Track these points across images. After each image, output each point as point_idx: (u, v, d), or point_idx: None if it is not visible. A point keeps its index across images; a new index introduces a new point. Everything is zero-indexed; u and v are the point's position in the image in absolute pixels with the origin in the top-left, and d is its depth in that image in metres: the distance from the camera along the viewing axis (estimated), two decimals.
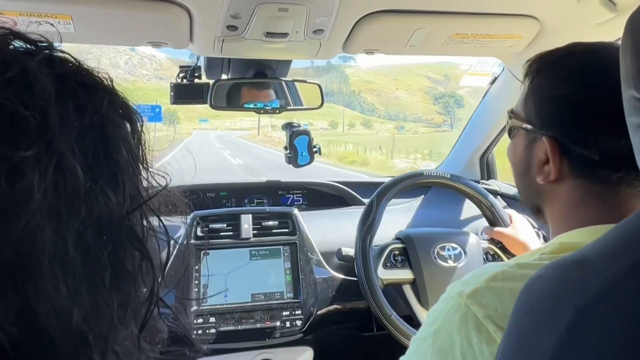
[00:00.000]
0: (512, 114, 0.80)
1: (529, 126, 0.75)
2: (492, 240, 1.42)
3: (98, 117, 0.35)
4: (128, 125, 0.39)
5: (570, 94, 0.70)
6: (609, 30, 1.09)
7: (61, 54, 0.37)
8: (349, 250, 1.40)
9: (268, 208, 1.59)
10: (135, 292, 0.38)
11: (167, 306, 0.43)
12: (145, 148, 0.40)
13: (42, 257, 0.30)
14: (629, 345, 0.41)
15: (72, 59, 0.38)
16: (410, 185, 1.42)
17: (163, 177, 0.42)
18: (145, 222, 0.39)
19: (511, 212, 1.46)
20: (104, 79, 0.39)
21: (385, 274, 1.35)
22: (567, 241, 0.70)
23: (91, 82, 0.37)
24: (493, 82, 1.66)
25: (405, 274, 1.35)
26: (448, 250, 1.38)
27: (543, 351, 0.44)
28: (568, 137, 0.70)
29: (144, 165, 0.40)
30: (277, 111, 1.43)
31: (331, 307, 1.45)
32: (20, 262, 0.30)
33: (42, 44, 0.36)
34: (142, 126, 0.40)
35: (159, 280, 0.40)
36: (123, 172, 0.36)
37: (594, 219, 0.69)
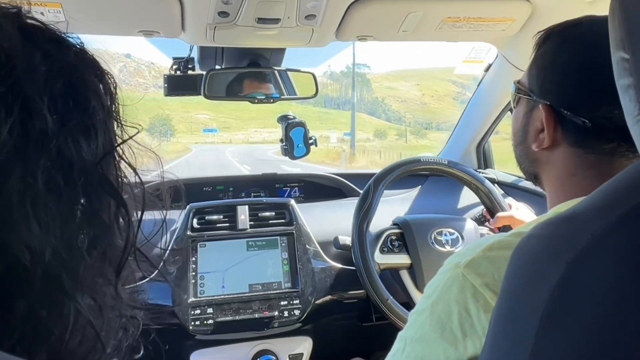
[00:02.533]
0: (517, 83, 0.81)
1: (529, 94, 0.76)
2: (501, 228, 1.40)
3: (66, 67, 0.37)
4: (99, 82, 0.40)
5: (567, 61, 0.71)
6: (601, 7, 1.09)
7: (31, 19, 0.38)
8: (346, 239, 1.40)
9: (265, 199, 1.58)
10: (111, 240, 0.38)
11: (145, 257, 0.43)
12: (119, 104, 0.41)
13: (12, 194, 0.31)
14: (619, 296, 0.42)
15: (41, 23, 0.39)
16: (407, 171, 1.41)
17: (134, 127, 0.42)
18: (119, 174, 0.40)
19: (510, 200, 1.46)
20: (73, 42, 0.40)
21: (382, 259, 1.34)
22: (562, 210, 0.70)
23: (59, 38, 0.39)
24: (487, 69, 1.66)
25: (403, 259, 1.35)
26: (445, 235, 1.37)
27: (536, 306, 0.45)
28: (563, 104, 0.70)
29: (117, 120, 0.41)
30: (272, 101, 1.43)
31: (329, 297, 1.45)
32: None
33: (11, 8, 0.37)
34: (115, 86, 0.41)
35: (136, 230, 0.40)
36: (95, 121, 0.37)
37: (589, 188, 0.69)
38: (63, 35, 0.40)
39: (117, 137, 0.41)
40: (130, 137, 0.42)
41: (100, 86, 0.40)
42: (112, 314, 0.40)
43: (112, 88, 0.41)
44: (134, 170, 0.42)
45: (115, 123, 0.40)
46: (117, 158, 0.40)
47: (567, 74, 0.71)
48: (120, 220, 0.39)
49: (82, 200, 0.36)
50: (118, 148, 0.40)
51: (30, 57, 0.35)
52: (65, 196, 0.34)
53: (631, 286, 0.42)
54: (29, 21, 0.38)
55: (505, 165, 1.84)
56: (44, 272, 0.33)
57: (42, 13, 1.05)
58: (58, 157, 0.34)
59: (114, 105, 0.41)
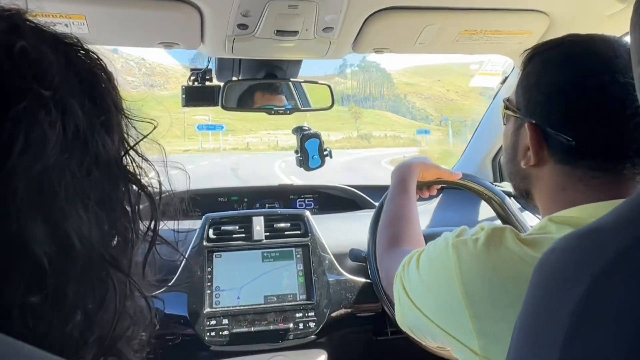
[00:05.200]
0: (506, 101, 0.83)
1: (516, 112, 0.78)
2: None
3: (84, 70, 0.41)
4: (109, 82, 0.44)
5: (551, 81, 0.73)
6: (619, 21, 1.09)
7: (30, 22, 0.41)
8: (362, 251, 1.39)
9: (280, 210, 1.59)
10: (134, 226, 0.43)
11: (165, 241, 0.48)
12: (123, 103, 0.45)
13: (68, 187, 0.36)
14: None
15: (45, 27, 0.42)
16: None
17: (150, 122, 0.46)
18: (137, 169, 0.44)
19: (527, 213, 1.45)
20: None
21: None
22: (557, 215, 0.72)
23: (70, 41, 0.42)
24: (504, 82, 1.66)
25: None
26: None
27: (561, 321, 0.44)
28: (548, 123, 0.72)
29: (125, 114, 0.44)
30: (288, 112, 1.43)
31: (345, 310, 1.44)
32: (47, 192, 0.35)
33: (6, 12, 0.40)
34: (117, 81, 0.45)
35: (157, 215, 0.45)
36: (112, 117, 0.41)
37: (582, 200, 0.71)
38: (73, 38, 0.42)
39: (129, 135, 0.44)
40: (146, 136, 0.45)
41: (110, 86, 0.44)
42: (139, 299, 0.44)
43: (118, 87, 0.45)
44: (153, 167, 0.46)
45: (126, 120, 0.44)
46: (132, 154, 0.44)
47: (551, 94, 0.72)
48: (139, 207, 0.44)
49: (112, 190, 0.40)
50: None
51: (60, 62, 0.38)
52: (100, 186, 0.38)
53: None
54: (40, 27, 0.41)
55: None
56: (90, 255, 0.37)
57: (66, 25, 1.07)
58: (90, 152, 0.38)
59: (123, 104, 0.44)
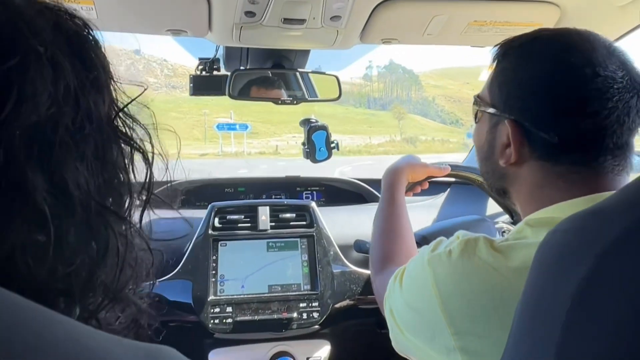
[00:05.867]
0: (477, 98, 0.81)
1: (492, 109, 0.76)
2: None
3: (73, 35, 0.43)
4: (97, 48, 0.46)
5: (531, 76, 0.71)
6: (631, 12, 1.08)
7: None
8: (367, 242, 1.39)
9: (286, 200, 1.59)
10: (128, 181, 0.45)
11: (160, 198, 0.50)
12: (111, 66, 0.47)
13: (62, 141, 0.37)
14: None
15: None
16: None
17: (140, 85, 0.49)
18: (128, 130, 0.46)
19: None
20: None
21: None
22: (534, 217, 0.71)
23: (59, 8, 0.44)
24: None
25: None
26: None
27: (563, 300, 0.44)
28: (528, 119, 0.70)
29: (112, 77, 0.46)
30: (296, 102, 1.43)
31: (348, 301, 1.44)
32: (42, 142, 0.37)
33: None
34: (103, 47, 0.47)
35: (151, 171, 0.47)
36: (100, 78, 0.43)
37: (559, 198, 0.70)
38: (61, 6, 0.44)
39: (118, 99, 0.47)
40: (135, 98, 0.47)
41: (98, 50, 0.45)
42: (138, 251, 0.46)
43: (104, 52, 0.46)
44: (144, 128, 0.48)
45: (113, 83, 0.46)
46: (123, 116, 0.46)
47: (530, 90, 0.71)
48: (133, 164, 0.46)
49: (105, 149, 0.42)
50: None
51: (49, 23, 0.40)
52: (93, 142, 0.41)
53: None
54: None
55: None
56: (88, 203, 0.39)
57: (74, 9, 1.08)
58: (82, 109, 0.40)
59: (109, 68, 0.46)
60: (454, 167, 1.37)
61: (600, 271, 0.43)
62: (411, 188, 1.24)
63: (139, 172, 0.47)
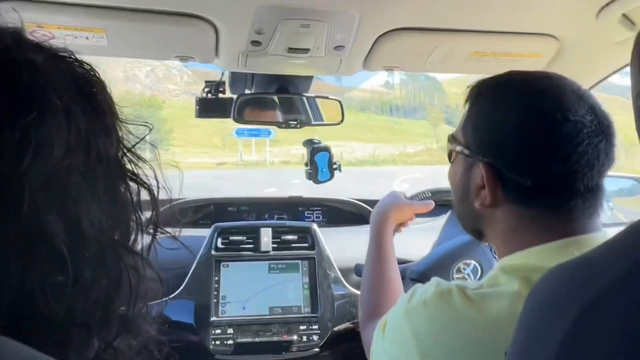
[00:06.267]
0: (452, 138, 0.81)
1: (466, 151, 0.76)
2: None
3: (82, 79, 0.45)
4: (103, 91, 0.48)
5: (503, 120, 0.72)
6: (628, 48, 1.09)
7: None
8: None
9: (288, 222, 1.61)
10: (136, 216, 0.47)
11: (165, 232, 0.52)
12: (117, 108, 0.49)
13: (76, 181, 0.40)
14: (634, 341, 0.41)
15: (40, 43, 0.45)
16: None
17: (145, 125, 0.51)
18: (134, 168, 0.48)
19: None
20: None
21: None
22: (508, 263, 0.72)
23: (64, 54, 0.46)
24: None
25: None
26: (465, 269, 1.36)
27: (550, 347, 0.45)
28: (502, 162, 0.71)
29: (119, 118, 0.48)
30: (299, 126, 1.46)
31: (348, 324, 1.45)
32: (58, 187, 0.39)
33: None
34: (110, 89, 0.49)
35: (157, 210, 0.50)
36: (108, 120, 0.46)
37: (532, 242, 0.71)
38: (67, 51, 0.46)
39: (126, 138, 0.48)
40: (142, 138, 0.50)
41: (105, 92, 0.47)
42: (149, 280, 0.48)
43: (112, 95, 0.48)
44: (151, 167, 0.50)
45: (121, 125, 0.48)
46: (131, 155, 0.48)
47: (503, 134, 0.72)
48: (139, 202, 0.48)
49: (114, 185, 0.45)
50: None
51: (61, 73, 0.43)
52: (104, 181, 0.43)
53: None
54: (37, 42, 0.44)
55: None
56: (101, 240, 0.42)
57: (87, 37, 1.11)
58: (92, 151, 0.42)
59: (118, 110, 0.48)
60: (434, 192, 1.37)
61: (586, 321, 0.44)
62: (397, 229, 1.25)
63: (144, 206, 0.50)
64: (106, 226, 0.43)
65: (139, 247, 0.48)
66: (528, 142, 0.70)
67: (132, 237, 0.47)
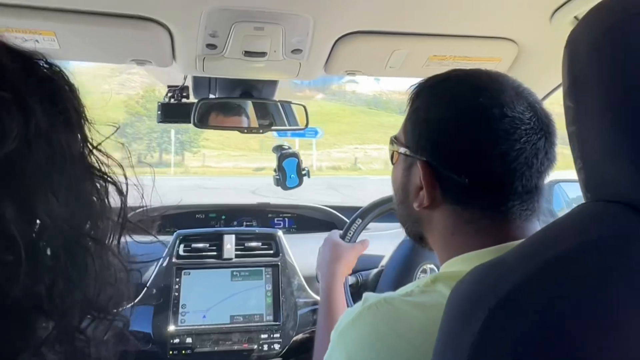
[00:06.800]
0: (394, 139, 0.80)
1: (405, 150, 0.75)
2: None
3: (45, 77, 0.47)
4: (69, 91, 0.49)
5: (441, 117, 0.70)
6: None
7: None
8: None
9: (253, 229, 1.59)
10: (103, 212, 0.49)
11: (136, 225, 0.53)
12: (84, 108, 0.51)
13: (33, 176, 0.42)
14: (535, 343, 0.42)
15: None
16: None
17: (112, 125, 0.52)
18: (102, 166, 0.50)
19: None
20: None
21: None
22: (445, 271, 0.70)
23: (30, 55, 0.47)
24: None
25: None
26: (428, 272, 1.35)
27: (463, 350, 0.45)
28: (439, 160, 0.70)
29: (86, 120, 0.50)
30: (262, 131, 1.44)
31: (311, 332, 1.42)
32: (11, 176, 0.40)
33: None
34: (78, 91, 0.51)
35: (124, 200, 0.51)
36: (72, 118, 0.47)
37: (469, 246, 0.69)
38: (38, 54, 0.48)
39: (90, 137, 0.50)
40: (108, 137, 0.51)
41: (71, 94, 0.49)
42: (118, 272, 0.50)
43: (78, 95, 0.50)
44: (118, 164, 0.51)
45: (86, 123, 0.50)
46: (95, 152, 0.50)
47: (440, 131, 0.70)
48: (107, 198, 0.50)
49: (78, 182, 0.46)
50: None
51: (20, 69, 0.44)
52: (68, 177, 0.44)
53: (551, 331, 0.42)
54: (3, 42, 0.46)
55: None
56: (62, 229, 0.43)
57: (37, 41, 1.09)
58: (55, 147, 0.43)
59: (83, 109, 0.50)
60: (363, 212, 1.35)
61: (492, 324, 0.44)
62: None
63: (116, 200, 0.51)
64: (68, 216, 0.44)
65: (111, 239, 0.50)
66: (465, 139, 0.68)
67: (102, 229, 0.49)
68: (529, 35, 1.18)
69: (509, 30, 1.17)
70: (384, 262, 1.46)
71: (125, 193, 0.51)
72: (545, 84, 1.29)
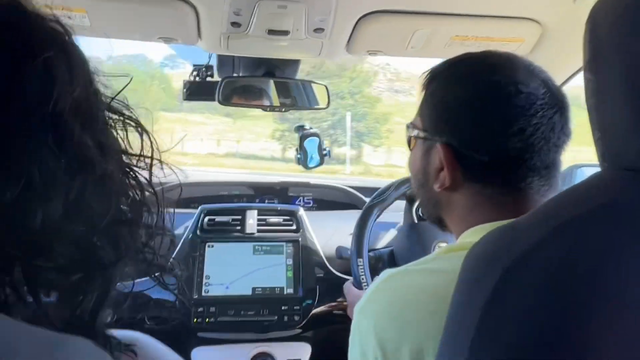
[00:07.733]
0: (410, 125, 0.81)
1: (423, 134, 0.76)
2: None
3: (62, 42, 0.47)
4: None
5: (458, 97, 0.72)
6: None
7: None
8: (348, 249, 1.42)
9: (274, 205, 1.62)
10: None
11: (167, 232, 0.57)
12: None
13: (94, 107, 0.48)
14: (547, 304, 0.43)
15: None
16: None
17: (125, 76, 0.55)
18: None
19: None
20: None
21: None
22: (461, 241, 0.72)
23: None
24: None
25: None
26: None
27: (475, 309, 0.47)
28: (458, 140, 0.71)
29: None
30: (284, 110, 1.47)
31: (330, 306, 1.47)
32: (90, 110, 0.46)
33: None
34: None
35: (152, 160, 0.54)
36: (88, 76, 0.49)
37: (485, 220, 0.70)
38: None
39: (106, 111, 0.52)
40: (123, 88, 0.53)
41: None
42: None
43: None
44: (130, 110, 0.54)
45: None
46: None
47: (457, 111, 0.72)
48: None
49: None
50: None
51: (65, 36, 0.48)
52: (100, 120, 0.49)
53: (563, 292, 0.43)
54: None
55: None
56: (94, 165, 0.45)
57: (69, 17, 1.13)
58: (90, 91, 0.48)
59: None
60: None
61: (505, 284, 0.45)
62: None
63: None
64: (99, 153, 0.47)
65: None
66: (482, 117, 0.70)
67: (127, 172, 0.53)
68: (553, 16, 1.17)
69: (532, 10, 1.17)
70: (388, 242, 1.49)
71: (146, 133, 0.54)
72: (567, 67, 1.28)
